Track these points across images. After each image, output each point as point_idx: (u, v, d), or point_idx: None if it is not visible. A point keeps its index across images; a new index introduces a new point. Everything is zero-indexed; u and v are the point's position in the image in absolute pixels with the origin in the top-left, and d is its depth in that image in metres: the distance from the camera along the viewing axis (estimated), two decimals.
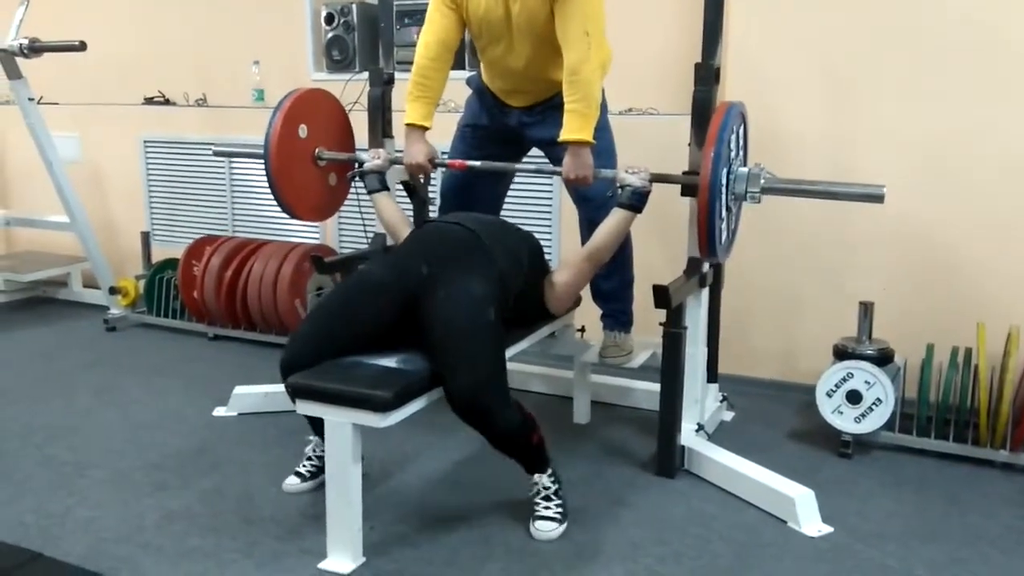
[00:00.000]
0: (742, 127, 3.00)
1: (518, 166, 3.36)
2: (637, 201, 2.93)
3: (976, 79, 3.41)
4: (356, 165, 3.40)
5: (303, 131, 3.38)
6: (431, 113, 3.24)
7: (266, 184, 3.33)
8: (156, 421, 3.61)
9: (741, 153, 3.01)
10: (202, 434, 3.48)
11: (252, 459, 3.24)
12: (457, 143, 3.46)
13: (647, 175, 2.92)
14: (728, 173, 2.83)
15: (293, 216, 3.49)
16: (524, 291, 2.94)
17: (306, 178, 3.44)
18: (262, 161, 3.30)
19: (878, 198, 2.77)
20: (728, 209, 2.91)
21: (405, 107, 3.23)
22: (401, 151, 3.31)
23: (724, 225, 2.91)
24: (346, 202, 3.70)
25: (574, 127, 2.96)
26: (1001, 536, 2.73)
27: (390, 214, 3.25)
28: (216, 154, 3.85)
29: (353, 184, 3.53)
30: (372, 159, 3.31)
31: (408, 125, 3.23)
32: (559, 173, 3.07)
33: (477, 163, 3.25)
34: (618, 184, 2.95)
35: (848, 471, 3.18)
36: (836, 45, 3.61)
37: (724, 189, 2.80)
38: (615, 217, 2.95)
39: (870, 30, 3.54)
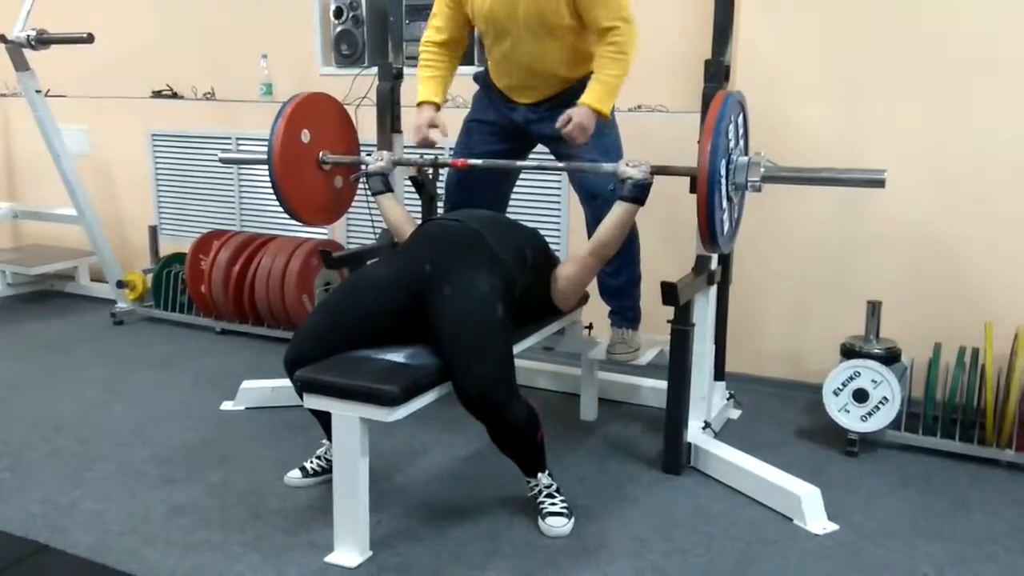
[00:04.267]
0: (741, 116, 2.99)
1: (520, 163, 3.36)
2: (639, 193, 2.93)
3: (987, 80, 3.40)
4: (361, 167, 3.41)
5: (306, 136, 3.38)
6: (440, 89, 3.30)
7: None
8: (163, 415, 3.62)
9: (741, 142, 3.00)
10: (209, 428, 3.49)
11: (259, 453, 3.25)
12: (463, 138, 3.47)
13: (647, 167, 2.92)
14: (728, 163, 2.82)
15: (300, 221, 3.50)
16: (530, 287, 2.94)
17: (311, 183, 3.44)
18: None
19: (879, 183, 2.77)
20: (729, 199, 2.90)
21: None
22: (409, 147, 3.31)
23: (725, 215, 2.90)
24: (354, 198, 3.70)
25: (599, 96, 3.05)
26: (1006, 535, 2.73)
27: (394, 215, 3.26)
28: (222, 161, 3.85)
29: (360, 183, 3.53)
30: (376, 161, 3.32)
31: (418, 104, 3.27)
32: (562, 169, 3.08)
33: (479, 161, 3.25)
34: (619, 177, 2.96)
35: (854, 469, 3.18)
36: (846, 45, 3.60)
37: (724, 179, 2.80)
38: (618, 210, 2.95)
39: (880, 30, 3.53)
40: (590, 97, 3.04)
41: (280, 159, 3.28)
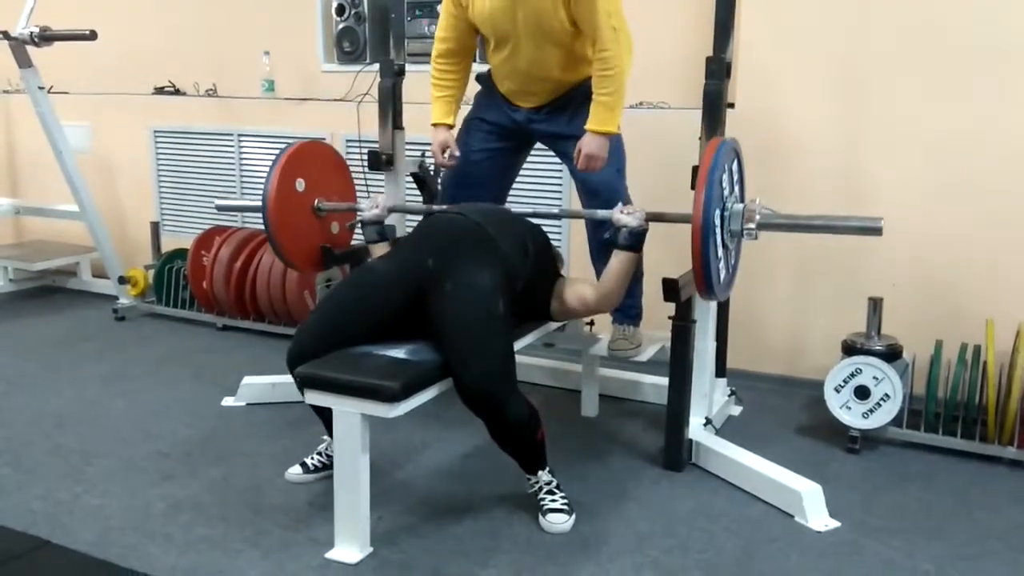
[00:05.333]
0: (735, 162, 2.96)
1: (517, 211, 3.38)
2: (635, 241, 2.92)
3: (988, 77, 3.39)
4: (357, 214, 3.38)
5: (300, 185, 3.37)
6: (450, 111, 3.36)
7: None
8: (164, 410, 3.62)
9: (736, 189, 2.98)
10: (210, 424, 3.49)
11: (260, 449, 3.25)
12: (463, 135, 3.45)
13: (642, 214, 2.90)
14: (722, 211, 2.80)
15: (295, 270, 3.48)
16: (532, 282, 2.94)
17: (308, 232, 3.42)
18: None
19: (876, 231, 2.73)
20: (725, 247, 2.88)
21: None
22: (411, 143, 3.30)
23: (722, 264, 2.88)
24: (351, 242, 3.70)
25: (602, 118, 3.05)
26: (1007, 532, 2.73)
27: None
28: (219, 208, 3.84)
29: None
30: (370, 208, 3.28)
31: (432, 124, 3.35)
32: (557, 216, 3.10)
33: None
34: (615, 225, 2.94)
35: (855, 466, 3.18)
36: (846, 42, 3.59)
37: (719, 229, 2.78)
38: (617, 260, 2.94)
39: (880, 28, 3.53)
40: (593, 122, 3.07)
41: (275, 210, 3.26)
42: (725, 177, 2.81)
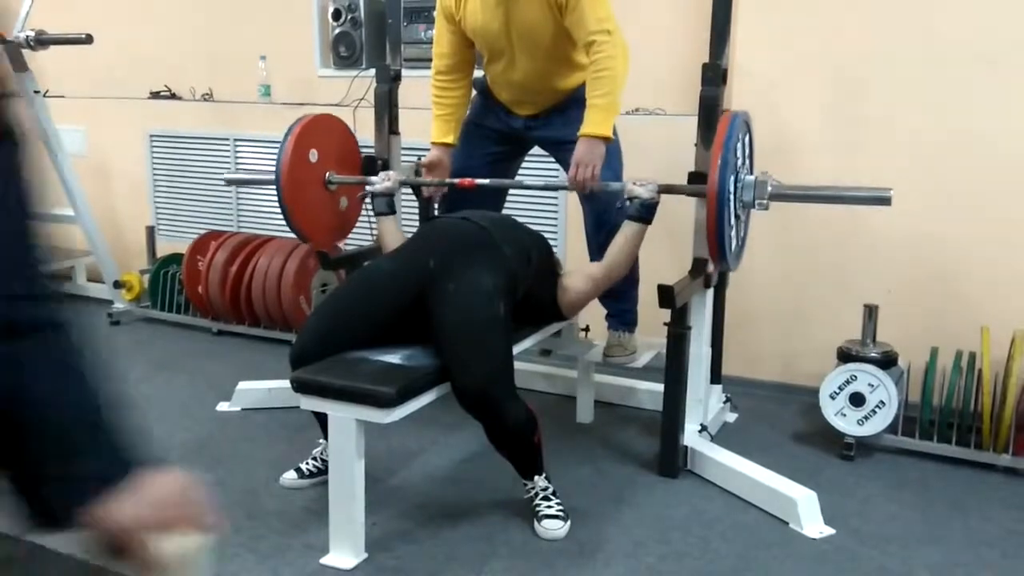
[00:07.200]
0: (747, 135, 2.99)
1: (527, 183, 3.45)
2: (646, 213, 2.93)
3: (983, 83, 3.40)
4: (367, 187, 3.38)
5: (313, 156, 3.37)
6: (451, 129, 3.35)
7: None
8: (159, 415, 3.60)
9: (747, 161, 3.00)
10: (205, 429, 3.48)
11: (255, 454, 3.25)
12: (462, 140, 3.45)
13: (655, 186, 2.91)
14: (735, 181, 2.83)
15: (307, 242, 3.48)
16: (533, 290, 2.94)
17: (318, 203, 3.42)
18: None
19: (885, 200, 2.77)
20: (737, 217, 2.91)
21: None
22: (407, 148, 3.30)
23: (733, 233, 2.91)
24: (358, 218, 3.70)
25: (596, 121, 2.98)
26: (1002, 540, 2.73)
27: (391, 239, 3.20)
28: (228, 182, 3.84)
29: (365, 203, 3.49)
30: (381, 181, 3.28)
31: (432, 143, 3.36)
32: (569, 188, 3.09)
33: (486, 181, 3.23)
34: (626, 196, 2.95)
35: (850, 473, 3.18)
36: (843, 47, 3.60)
37: (732, 197, 2.80)
38: (626, 231, 2.96)
39: (876, 33, 3.54)
40: (587, 126, 3.00)
41: (288, 179, 3.26)
42: (738, 147, 2.83)
